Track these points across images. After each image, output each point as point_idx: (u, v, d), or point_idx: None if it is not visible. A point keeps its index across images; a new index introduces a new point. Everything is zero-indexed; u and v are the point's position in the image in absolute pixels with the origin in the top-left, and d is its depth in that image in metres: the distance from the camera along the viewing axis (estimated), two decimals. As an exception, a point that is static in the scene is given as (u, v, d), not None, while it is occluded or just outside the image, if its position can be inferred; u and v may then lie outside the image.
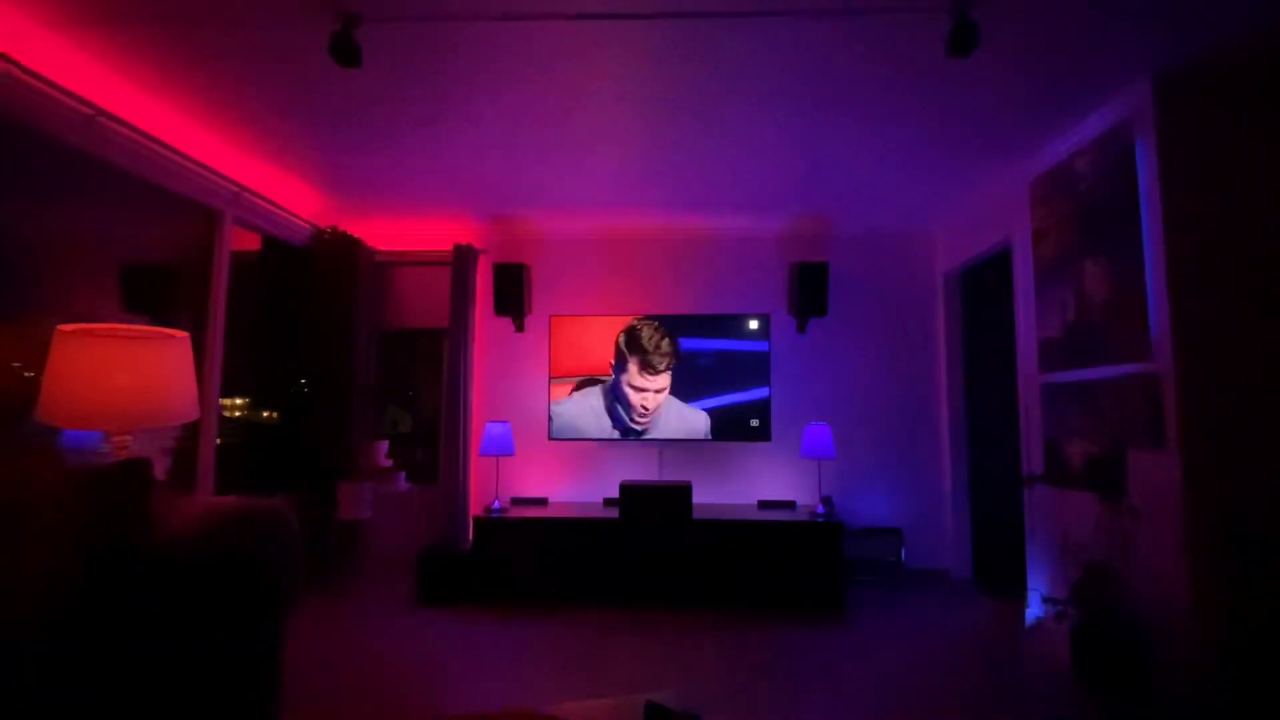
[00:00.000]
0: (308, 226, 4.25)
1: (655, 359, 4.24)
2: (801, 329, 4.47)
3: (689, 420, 4.25)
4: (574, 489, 4.52)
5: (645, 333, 4.26)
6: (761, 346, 4.27)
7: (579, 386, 4.30)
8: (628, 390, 4.26)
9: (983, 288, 4.20)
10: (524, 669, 2.90)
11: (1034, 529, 3.37)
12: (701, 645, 3.16)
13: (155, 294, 3.23)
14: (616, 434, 4.26)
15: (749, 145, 3.17)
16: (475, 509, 4.31)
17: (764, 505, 4.20)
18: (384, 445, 4.57)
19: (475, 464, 4.50)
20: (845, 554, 3.83)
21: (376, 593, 3.96)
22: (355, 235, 4.45)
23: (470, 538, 4.07)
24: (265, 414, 4.26)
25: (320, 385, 4.26)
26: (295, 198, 3.96)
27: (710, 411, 4.26)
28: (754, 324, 4.31)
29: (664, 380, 4.25)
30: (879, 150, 3.23)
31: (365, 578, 4.25)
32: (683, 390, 4.25)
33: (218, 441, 3.47)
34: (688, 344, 4.27)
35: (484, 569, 3.84)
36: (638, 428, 4.24)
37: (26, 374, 2.52)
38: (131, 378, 1.80)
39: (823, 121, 2.91)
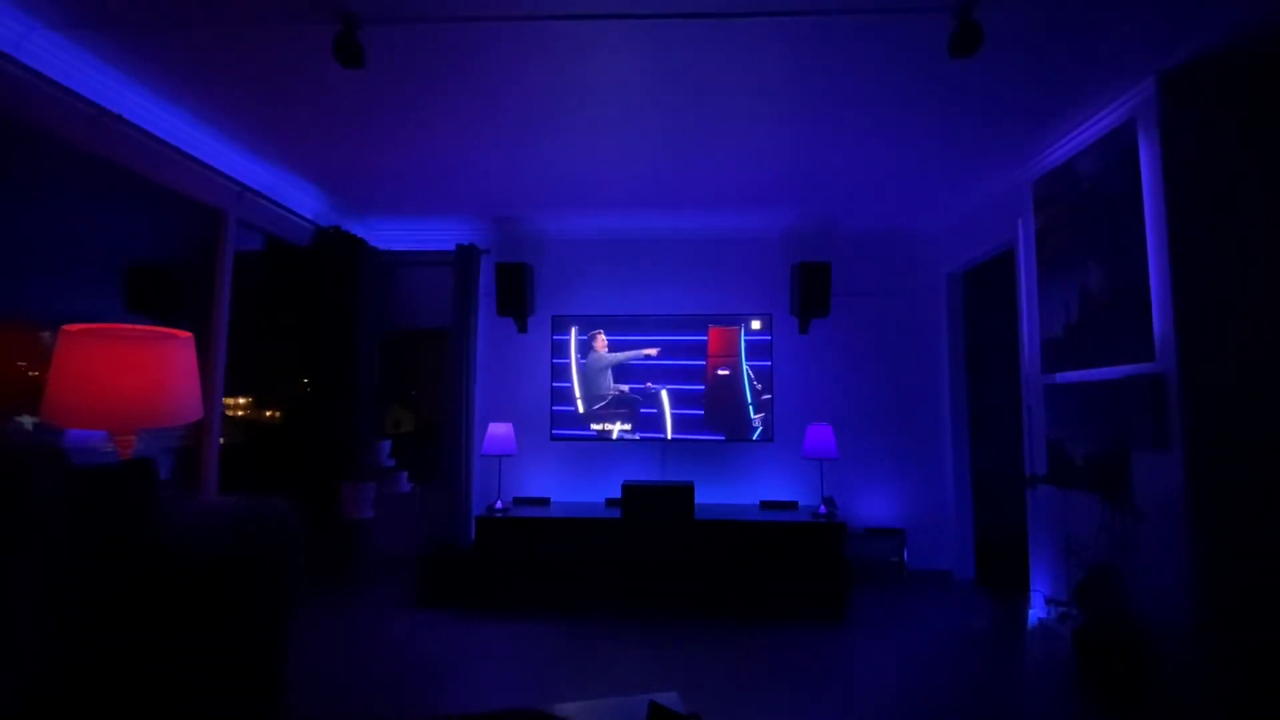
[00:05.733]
0: (310, 226, 4.26)
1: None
2: (804, 329, 4.47)
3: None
4: (576, 489, 4.52)
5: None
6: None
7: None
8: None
9: (985, 288, 4.19)
10: (525, 669, 2.90)
11: (1037, 530, 3.36)
12: (703, 645, 3.16)
13: (159, 294, 3.24)
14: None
15: (751, 145, 3.17)
16: (477, 509, 4.31)
17: (766, 506, 4.19)
18: (386, 445, 4.58)
19: (477, 464, 4.51)
20: (847, 554, 3.82)
21: (378, 592, 3.96)
22: (358, 235, 4.45)
23: (472, 538, 4.07)
24: (268, 414, 4.28)
25: (323, 385, 4.27)
26: (298, 198, 3.98)
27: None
28: (756, 324, 4.31)
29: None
30: (882, 150, 3.23)
31: (367, 577, 4.26)
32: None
33: (221, 441, 3.48)
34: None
35: (486, 569, 3.84)
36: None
37: (31, 373, 2.53)
38: (136, 378, 1.81)
39: (825, 121, 2.91)
